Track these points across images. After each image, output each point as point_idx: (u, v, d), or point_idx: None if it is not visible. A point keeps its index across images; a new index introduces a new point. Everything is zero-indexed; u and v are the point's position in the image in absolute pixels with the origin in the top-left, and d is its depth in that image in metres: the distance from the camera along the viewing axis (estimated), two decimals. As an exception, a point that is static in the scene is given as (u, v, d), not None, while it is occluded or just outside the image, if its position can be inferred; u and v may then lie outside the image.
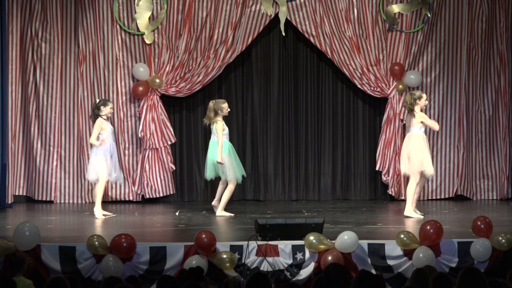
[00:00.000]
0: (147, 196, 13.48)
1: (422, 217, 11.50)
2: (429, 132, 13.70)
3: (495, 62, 13.74)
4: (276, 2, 13.48)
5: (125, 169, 13.40)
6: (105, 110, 11.81)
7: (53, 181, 13.40)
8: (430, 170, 11.56)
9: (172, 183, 13.61)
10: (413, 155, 11.53)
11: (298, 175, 13.95)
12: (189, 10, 13.42)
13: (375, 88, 13.58)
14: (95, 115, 11.87)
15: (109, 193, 13.38)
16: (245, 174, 12.18)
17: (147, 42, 13.43)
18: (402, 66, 13.56)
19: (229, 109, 11.96)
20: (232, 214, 11.81)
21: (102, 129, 11.77)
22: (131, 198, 13.50)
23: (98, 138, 11.73)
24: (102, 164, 11.72)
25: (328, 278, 6.02)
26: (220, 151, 11.67)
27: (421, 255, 9.06)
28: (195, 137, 13.80)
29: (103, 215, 11.79)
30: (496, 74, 13.75)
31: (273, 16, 13.52)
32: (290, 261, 9.14)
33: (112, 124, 13.34)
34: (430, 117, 13.69)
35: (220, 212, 11.82)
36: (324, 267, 8.52)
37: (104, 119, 11.84)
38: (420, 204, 13.08)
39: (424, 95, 11.70)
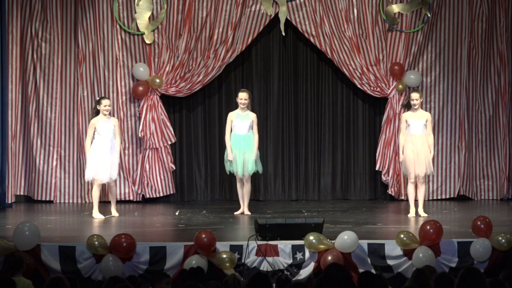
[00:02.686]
0: (147, 196, 13.48)
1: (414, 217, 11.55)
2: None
3: (495, 62, 13.74)
4: (276, 2, 13.49)
5: (125, 169, 13.41)
6: (100, 108, 11.80)
7: (53, 181, 13.40)
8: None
9: (172, 183, 13.62)
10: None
11: (298, 175, 13.95)
12: (189, 10, 13.42)
13: (375, 88, 13.58)
14: (94, 114, 11.87)
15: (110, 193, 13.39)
16: (242, 172, 12.05)
17: (147, 42, 13.44)
18: (402, 66, 13.57)
19: (242, 99, 11.93)
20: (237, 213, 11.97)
21: (96, 129, 11.74)
22: (131, 198, 13.50)
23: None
24: (91, 164, 11.67)
25: (328, 278, 6.02)
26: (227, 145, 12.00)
27: (421, 255, 9.05)
28: (195, 137, 13.80)
29: (106, 217, 11.78)
30: (496, 74, 13.75)
31: (273, 16, 13.52)
32: (290, 261, 9.13)
33: (113, 124, 13.35)
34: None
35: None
36: (324, 267, 8.52)
37: (102, 118, 11.80)
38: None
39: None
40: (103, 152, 11.68)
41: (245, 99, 11.97)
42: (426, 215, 11.63)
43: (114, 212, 11.87)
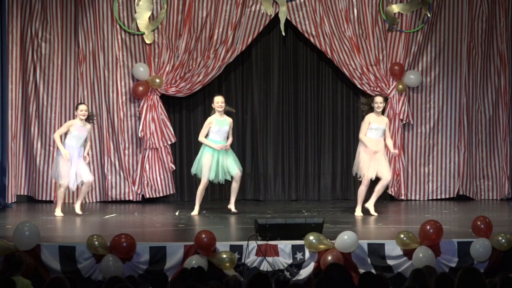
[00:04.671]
0: (147, 196, 13.48)
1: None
2: (429, 131, 13.73)
3: (495, 62, 13.74)
4: (276, 2, 13.49)
5: (125, 169, 13.42)
6: (76, 113, 11.92)
7: (53, 181, 13.38)
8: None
9: (172, 183, 13.62)
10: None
11: (298, 175, 13.95)
12: (189, 10, 13.42)
13: (375, 88, 13.58)
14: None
15: (109, 193, 13.40)
16: (221, 180, 12.02)
17: (147, 42, 13.44)
18: (402, 66, 13.57)
19: (221, 104, 11.87)
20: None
21: (70, 130, 11.84)
22: (131, 198, 13.50)
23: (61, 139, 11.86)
24: (64, 168, 11.78)
25: (328, 278, 6.02)
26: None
27: (421, 255, 9.05)
28: (195, 137, 13.75)
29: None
30: (496, 74, 13.75)
31: (273, 16, 13.52)
32: (290, 261, 9.13)
33: (112, 124, 13.37)
34: (430, 118, 13.78)
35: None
36: (324, 267, 8.52)
37: (78, 122, 11.84)
38: (420, 203, 13.20)
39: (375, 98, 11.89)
40: (73, 157, 11.76)
41: (222, 103, 11.93)
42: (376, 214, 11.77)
43: (77, 210, 11.94)
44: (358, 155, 11.78)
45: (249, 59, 13.88)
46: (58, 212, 11.87)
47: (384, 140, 11.77)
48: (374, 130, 11.70)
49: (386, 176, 11.69)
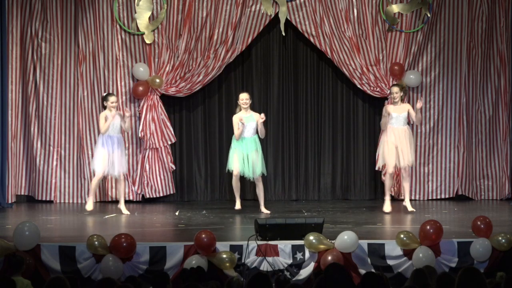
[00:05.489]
0: (147, 196, 13.48)
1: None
2: (429, 131, 13.74)
3: (495, 62, 13.74)
4: (276, 2, 13.49)
5: (125, 169, 13.43)
6: (107, 104, 12.03)
7: (53, 181, 13.40)
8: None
9: (172, 183, 13.62)
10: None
11: (298, 175, 13.95)
12: (189, 10, 13.42)
13: (375, 88, 13.58)
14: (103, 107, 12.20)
15: (109, 193, 13.39)
16: (248, 176, 12.16)
17: (147, 42, 13.44)
18: (402, 66, 13.56)
19: (245, 100, 12.07)
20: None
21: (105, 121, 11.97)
22: (131, 198, 13.49)
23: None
24: (99, 158, 11.89)
25: (328, 278, 6.02)
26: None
27: (421, 255, 9.05)
28: (195, 137, 13.80)
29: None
30: (496, 74, 13.75)
31: (273, 16, 13.52)
32: (290, 261, 9.13)
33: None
34: (430, 118, 13.79)
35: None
36: (324, 267, 8.52)
37: (108, 112, 12.00)
38: (420, 203, 13.20)
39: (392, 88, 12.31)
40: (113, 144, 11.97)
41: (247, 99, 12.04)
42: (413, 209, 12.00)
43: (124, 210, 12.09)
44: (382, 146, 12.18)
45: (249, 59, 13.88)
46: (90, 206, 11.92)
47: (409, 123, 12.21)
48: (394, 119, 12.04)
49: (402, 164, 12.01)
